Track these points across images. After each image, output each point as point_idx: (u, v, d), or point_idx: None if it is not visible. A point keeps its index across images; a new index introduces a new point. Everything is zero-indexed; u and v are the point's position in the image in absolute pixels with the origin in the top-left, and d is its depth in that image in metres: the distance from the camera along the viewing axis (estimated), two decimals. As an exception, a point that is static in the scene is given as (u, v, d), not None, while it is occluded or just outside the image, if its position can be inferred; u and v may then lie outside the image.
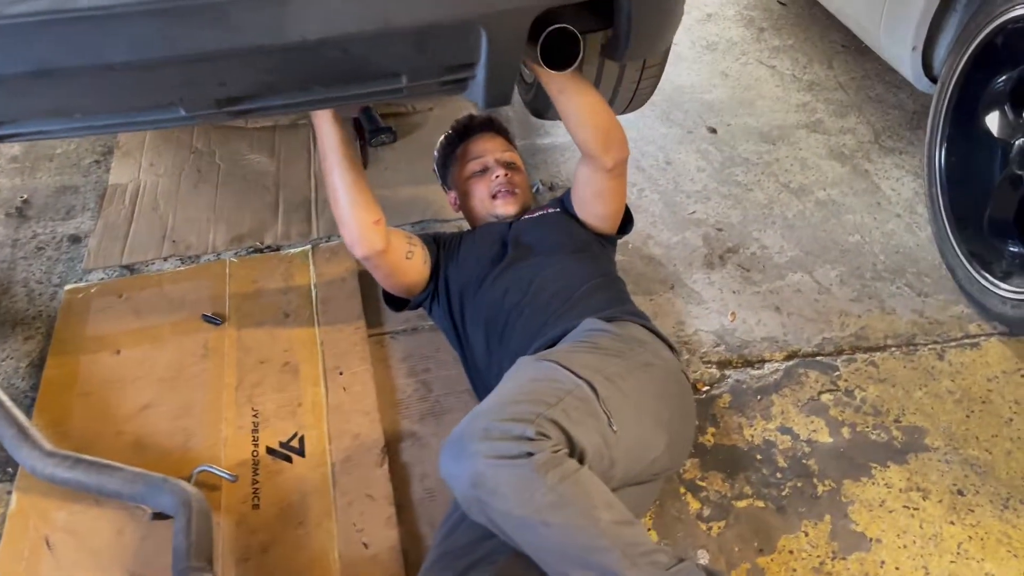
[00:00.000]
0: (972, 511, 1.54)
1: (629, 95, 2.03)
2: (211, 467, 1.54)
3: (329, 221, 2.18)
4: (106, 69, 1.06)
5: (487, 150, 1.88)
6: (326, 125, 1.57)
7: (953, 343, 1.90)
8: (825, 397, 1.77)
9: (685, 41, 3.13)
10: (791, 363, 1.85)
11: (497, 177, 1.83)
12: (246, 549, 1.46)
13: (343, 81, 1.21)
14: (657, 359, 1.47)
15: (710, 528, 1.52)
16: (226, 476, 1.53)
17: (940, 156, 2.05)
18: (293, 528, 1.49)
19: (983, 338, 1.90)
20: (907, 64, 2.12)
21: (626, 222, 1.87)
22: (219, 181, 2.40)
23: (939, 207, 2.06)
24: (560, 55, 1.30)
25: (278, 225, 2.23)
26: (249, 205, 2.31)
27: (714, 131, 2.64)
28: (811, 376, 1.82)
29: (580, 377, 1.28)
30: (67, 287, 2.02)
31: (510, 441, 1.13)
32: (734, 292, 2.04)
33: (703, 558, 1.47)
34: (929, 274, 2.08)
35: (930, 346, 1.89)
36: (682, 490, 1.58)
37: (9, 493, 1.55)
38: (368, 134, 2.51)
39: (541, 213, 1.83)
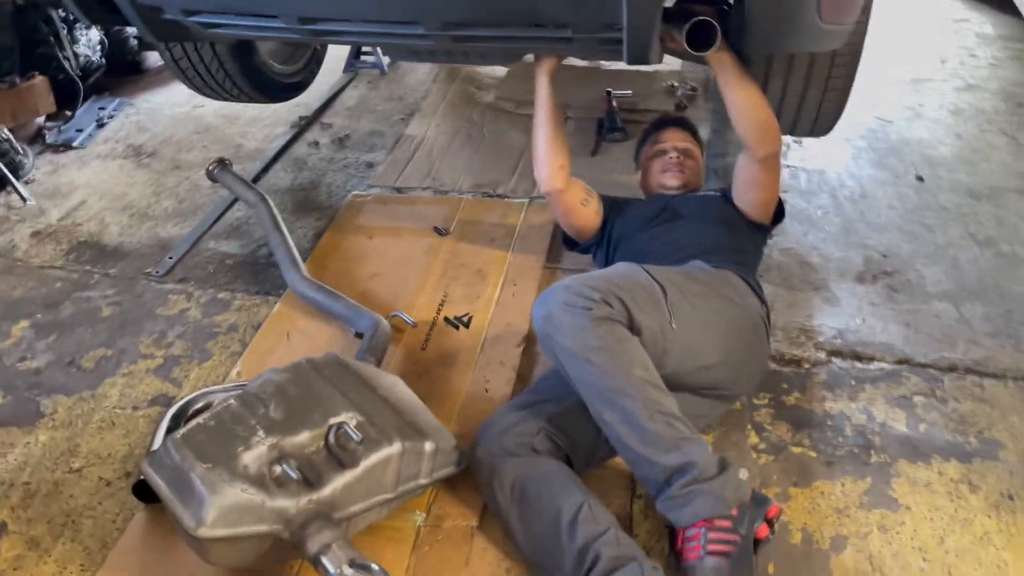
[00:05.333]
0: (1014, 514, 1.64)
1: (812, 114, 2.30)
2: (400, 313, 2.12)
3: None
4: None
5: (670, 138, 2.29)
6: (543, 79, 2.10)
7: (1075, 391, 1.93)
8: (917, 399, 1.92)
9: (932, 104, 3.26)
10: (899, 367, 2.01)
11: (671, 157, 2.23)
12: (406, 371, 2.01)
13: (527, 23, 1.71)
14: (739, 299, 1.78)
15: (759, 458, 1.78)
16: (408, 320, 2.10)
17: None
18: (442, 368, 2.01)
19: (1111, 396, 1.92)
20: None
21: (779, 215, 2.16)
22: (480, 146, 3.05)
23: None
24: (702, 39, 1.69)
25: (511, 182, 2.81)
26: (495, 165, 2.93)
27: (921, 179, 2.78)
28: (912, 380, 1.97)
29: (656, 281, 1.66)
30: (353, 192, 2.76)
31: (579, 297, 1.55)
32: (872, 304, 2.23)
33: (742, 474, 1.73)
34: (1085, 334, 2.10)
35: (1049, 387, 1.95)
36: (748, 427, 1.85)
37: (274, 303, 2.25)
38: (605, 130, 3.02)
39: (704, 194, 2.20)
